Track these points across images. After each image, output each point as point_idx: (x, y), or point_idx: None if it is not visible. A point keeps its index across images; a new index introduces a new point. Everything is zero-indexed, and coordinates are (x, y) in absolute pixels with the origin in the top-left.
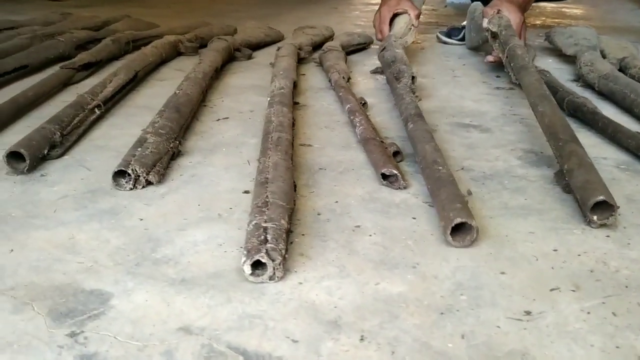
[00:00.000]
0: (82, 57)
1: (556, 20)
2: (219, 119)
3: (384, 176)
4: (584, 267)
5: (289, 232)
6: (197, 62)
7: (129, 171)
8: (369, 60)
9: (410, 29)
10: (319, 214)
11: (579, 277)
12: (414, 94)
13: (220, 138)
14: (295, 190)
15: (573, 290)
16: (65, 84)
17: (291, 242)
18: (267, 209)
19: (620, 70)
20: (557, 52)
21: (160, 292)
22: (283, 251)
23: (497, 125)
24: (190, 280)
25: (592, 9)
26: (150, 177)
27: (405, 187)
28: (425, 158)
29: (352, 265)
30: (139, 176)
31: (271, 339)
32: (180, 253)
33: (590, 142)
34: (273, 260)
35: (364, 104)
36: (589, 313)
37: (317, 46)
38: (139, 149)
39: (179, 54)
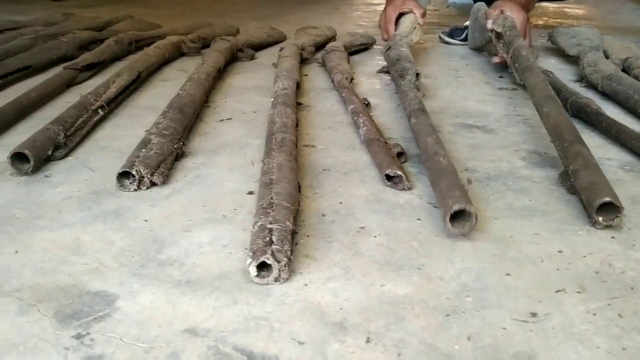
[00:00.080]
0: (85, 58)
1: (558, 20)
2: (222, 120)
3: (388, 177)
4: (590, 268)
5: (293, 233)
6: (200, 62)
7: (133, 172)
8: (372, 61)
9: (415, 27)
10: (323, 215)
11: (584, 279)
12: (418, 90)
13: (223, 139)
14: (299, 192)
15: (579, 292)
16: (69, 84)
17: (296, 244)
18: (272, 210)
19: (623, 70)
20: (560, 53)
21: (165, 293)
22: (288, 253)
23: (501, 126)
24: (196, 282)
25: (594, 9)
26: (155, 178)
27: (409, 188)
28: (426, 150)
29: (357, 267)
30: (143, 177)
31: (277, 340)
32: (185, 254)
33: (594, 143)
34: (278, 262)
35: (367, 105)
36: (594, 315)
37: (319, 46)
38: (143, 150)
39: (181, 54)
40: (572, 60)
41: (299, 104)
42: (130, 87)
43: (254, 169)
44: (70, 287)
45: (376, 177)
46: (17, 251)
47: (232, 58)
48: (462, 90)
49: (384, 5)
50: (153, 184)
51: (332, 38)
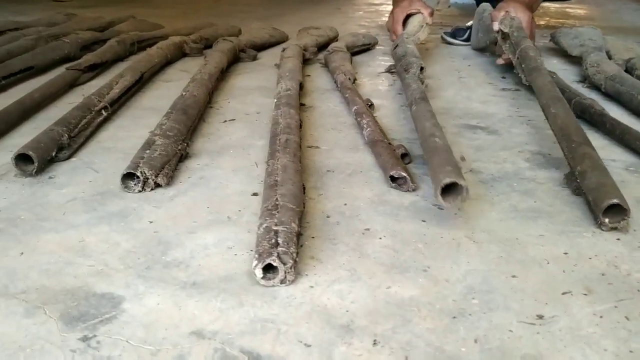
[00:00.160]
0: (88, 59)
1: (560, 20)
2: (225, 121)
3: (393, 178)
4: (595, 270)
5: (299, 235)
6: (203, 63)
7: (138, 174)
8: (374, 62)
9: (423, 26)
10: (328, 217)
11: (590, 281)
12: (422, 83)
13: (227, 140)
14: (304, 193)
15: (585, 294)
16: (71, 85)
17: (301, 245)
18: (278, 212)
19: (626, 71)
20: (562, 53)
21: (171, 295)
22: (294, 254)
23: (505, 126)
24: (202, 284)
25: (596, 9)
26: (159, 180)
27: (414, 190)
28: (423, 133)
29: (363, 269)
30: (147, 178)
31: (284, 343)
32: (191, 256)
33: (598, 144)
34: (284, 264)
35: (371, 106)
36: (601, 317)
37: (321, 47)
38: (147, 151)
39: (183, 55)
40: (575, 60)
41: (302, 104)
42: (133, 88)
43: (258, 170)
44: (76, 289)
45: (380, 179)
46: (22, 253)
47: (235, 59)
48: (465, 91)
49: (385, 6)
50: (157, 185)
51: (334, 38)
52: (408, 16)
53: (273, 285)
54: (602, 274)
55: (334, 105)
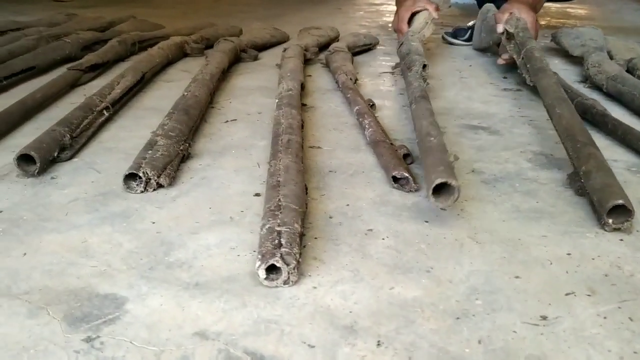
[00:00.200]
0: (89, 59)
1: (561, 20)
2: (227, 121)
3: (395, 179)
4: (599, 271)
5: (302, 235)
6: (204, 63)
7: (140, 174)
8: (376, 62)
9: (428, 23)
10: (330, 217)
11: (593, 282)
12: (424, 81)
13: (229, 140)
14: (306, 193)
15: (588, 295)
16: (73, 85)
17: (304, 246)
18: (280, 213)
19: (627, 71)
20: (563, 53)
21: (174, 296)
22: (297, 255)
23: (506, 127)
24: (205, 285)
25: (597, 9)
26: (161, 180)
27: (416, 190)
28: (420, 132)
29: (365, 270)
30: (149, 179)
31: (288, 344)
32: (194, 257)
33: (600, 145)
34: (287, 265)
35: (372, 106)
36: (605, 318)
37: (322, 47)
38: (150, 152)
39: (184, 55)
40: (576, 60)
41: (303, 105)
42: (135, 88)
43: (260, 170)
44: (79, 289)
45: (382, 179)
46: (25, 253)
47: (236, 59)
48: (467, 91)
49: (386, 6)
50: (160, 186)
51: (335, 38)
52: (413, 15)
53: (276, 286)
54: (606, 275)
55: (335, 106)
